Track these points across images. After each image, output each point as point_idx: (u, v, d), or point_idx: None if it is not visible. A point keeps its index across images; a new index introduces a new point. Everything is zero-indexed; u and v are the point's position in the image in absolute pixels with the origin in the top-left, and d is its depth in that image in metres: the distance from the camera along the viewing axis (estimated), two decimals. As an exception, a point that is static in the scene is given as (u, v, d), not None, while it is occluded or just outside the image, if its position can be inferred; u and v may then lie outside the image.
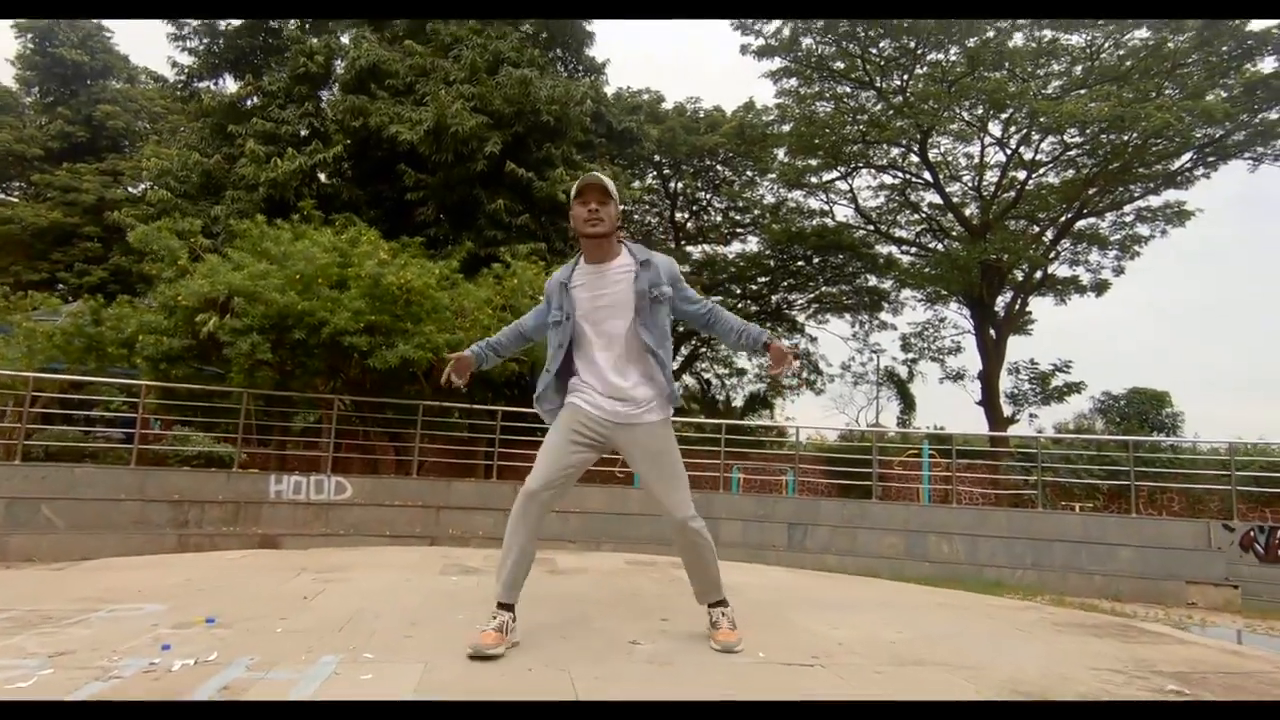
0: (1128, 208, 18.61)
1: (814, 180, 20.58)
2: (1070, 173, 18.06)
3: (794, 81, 18.67)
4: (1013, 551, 8.67)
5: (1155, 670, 2.54)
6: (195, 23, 14.24)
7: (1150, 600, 7.83)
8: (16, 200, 22.25)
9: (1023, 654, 2.67)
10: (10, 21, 22.20)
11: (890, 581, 5.66)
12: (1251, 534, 8.51)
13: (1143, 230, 18.62)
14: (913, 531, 8.94)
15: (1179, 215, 18.01)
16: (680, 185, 21.77)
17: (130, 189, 21.08)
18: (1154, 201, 18.27)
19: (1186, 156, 16.93)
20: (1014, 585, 8.00)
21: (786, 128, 18.99)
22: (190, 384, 9.14)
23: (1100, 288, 19.53)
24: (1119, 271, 19.28)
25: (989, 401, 18.54)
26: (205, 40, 14.45)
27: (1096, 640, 2.98)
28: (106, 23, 23.39)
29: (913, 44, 17.00)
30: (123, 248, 14.70)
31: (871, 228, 21.34)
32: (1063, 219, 18.58)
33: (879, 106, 18.40)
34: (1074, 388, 19.08)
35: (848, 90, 18.79)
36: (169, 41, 14.31)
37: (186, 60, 14.52)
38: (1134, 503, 9.97)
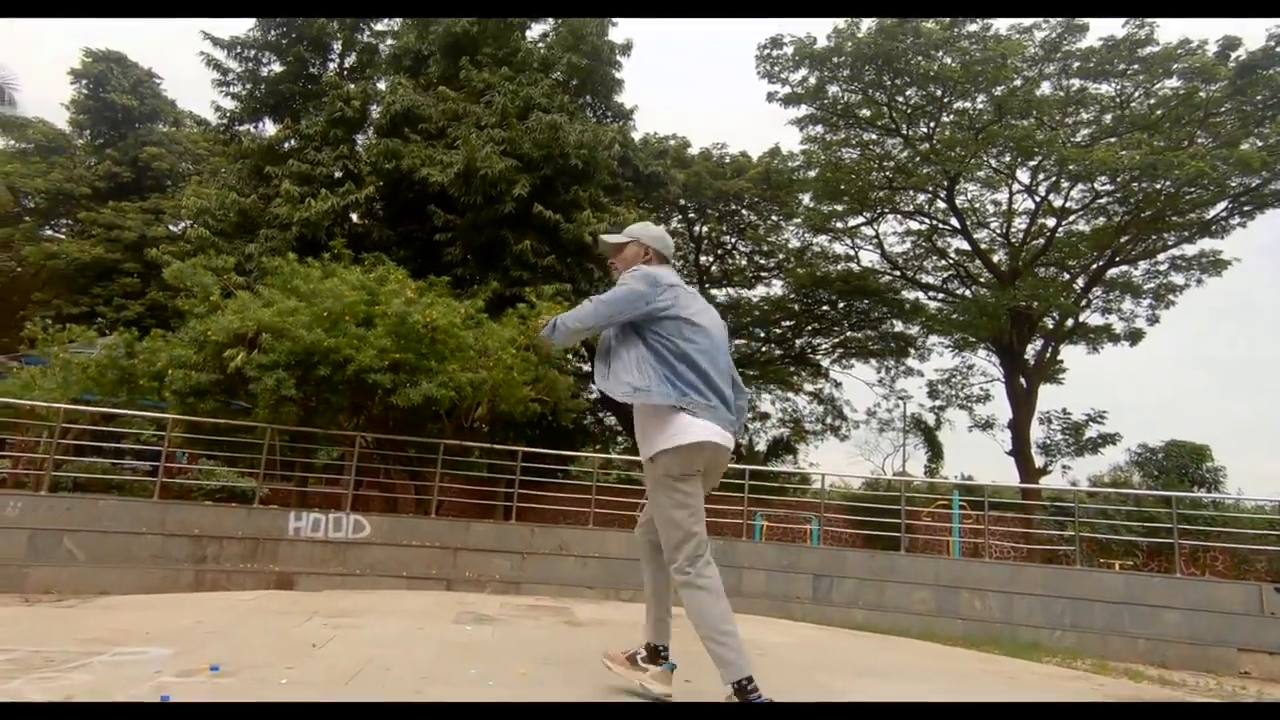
0: (1161, 256, 18.33)
1: (839, 225, 20.59)
2: (1101, 220, 17.87)
3: (820, 128, 18.82)
4: (1050, 611, 8.28)
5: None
6: (239, 69, 14.79)
7: (1199, 668, 7.39)
8: (64, 237, 23.03)
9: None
10: (67, 68, 23.33)
11: (926, 643, 5.40)
12: (1308, 599, 8.03)
13: (1177, 279, 18.31)
14: (944, 587, 8.60)
15: (1214, 264, 17.70)
16: (705, 229, 21.90)
17: (171, 227, 21.73)
18: (1189, 250, 18.00)
19: (1222, 205, 16.68)
20: (1052, 647, 7.62)
21: (812, 173, 19.08)
22: (216, 418, 9.19)
23: (1134, 337, 19.15)
24: (1153, 320, 18.91)
25: (1020, 452, 18.07)
26: (248, 85, 14.98)
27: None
28: (156, 69, 24.49)
29: (939, 92, 17.10)
30: (160, 283, 15.07)
31: (898, 273, 21.22)
32: (1094, 266, 18.32)
33: (905, 153, 18.45)
34: (1109, 439, 18.56)
35: (874, 137, 18.89)
36: (214, 87, 14.87)
37: (229, 105, 15.05)
38: (1177, 562, 9.55)
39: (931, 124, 17.95)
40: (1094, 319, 19.37)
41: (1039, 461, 18.66)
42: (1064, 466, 19.29)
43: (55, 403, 9.07)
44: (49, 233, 23.75)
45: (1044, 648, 7.46)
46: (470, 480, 10.26)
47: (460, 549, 8.52)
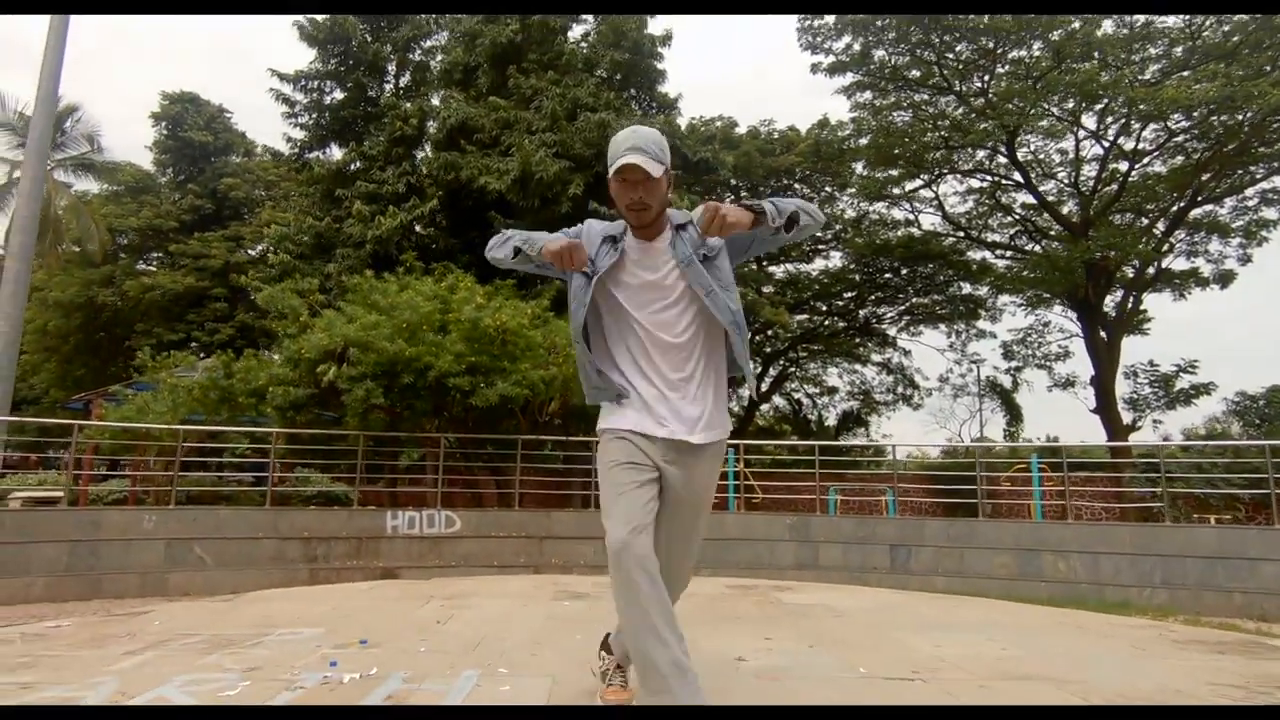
0: (1250, 191, 17.30)
1: (896, 191, 20.21)
2: (1179, 159, 16.99)
3: (868, 94, 18.49)
4: (1139, 569, 8.15)
5: (1286, 685, 2.46)
6: (304, 99, 15.68)
7: (1302, 618, 7.19)
8: (157, 270, 24.78)
9: (1138, 670, 2.64)
10: (147, 111, 24.98)
11: (1001, 601, 5.51)
12: None
13: (1269, 214, 17.27)
14: (1025, 550, 8.57)
15: (1310, 195, 16.64)
16: (759, 207, 21.81)
17: (250, 252, 23.12)
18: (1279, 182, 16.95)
19: (1314, 132, 15.63)
20: (1142, 605, 7.54)
21: (864, 141, 18.79)
22: (312, 429, 9.93)
23: (1225, 279, 18.14)
24: (1245, 260, 17.89)
25: (1105, 408, 17.46)
26: (313, 115, 15.88)
27: (1218, 657, 2.88)
28: (226, 104, 25.99)
29: (991, 44, 16.56)
30: (247, 306, 16.16)
31: (962, 234, 20.68)
32: (1175, 208, 17.45)
33: (960, 111, 17.95)
34: (1202, 389, 17.71)
35: (925, 97, 18.44)
36: (283, 120, 15.84)
37: (299, 135, 16.00)
38: (1275, 513, 9.20)
39: (986, 77, 17.40)
40: (1178, 263, 18.46)
41: (1127, 418, 18.00)
42: (1154, 421, 18.54)
43: (168, 424, 9.98)
44: (143, 266, 25.57)
45: (1133, 606, 7.40)
46: (548, 472, 10.73)
47: (545, 538, 8.99)
